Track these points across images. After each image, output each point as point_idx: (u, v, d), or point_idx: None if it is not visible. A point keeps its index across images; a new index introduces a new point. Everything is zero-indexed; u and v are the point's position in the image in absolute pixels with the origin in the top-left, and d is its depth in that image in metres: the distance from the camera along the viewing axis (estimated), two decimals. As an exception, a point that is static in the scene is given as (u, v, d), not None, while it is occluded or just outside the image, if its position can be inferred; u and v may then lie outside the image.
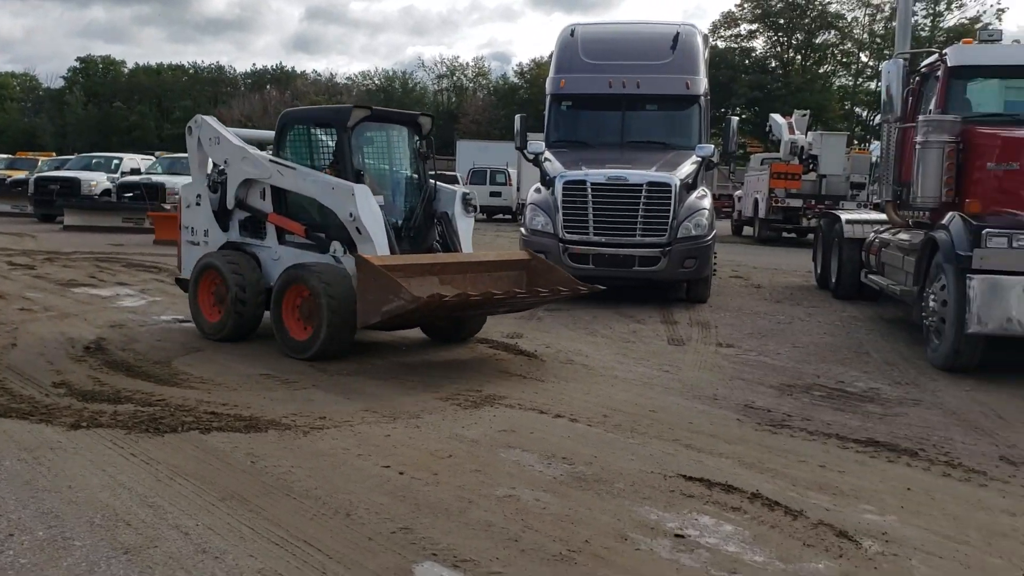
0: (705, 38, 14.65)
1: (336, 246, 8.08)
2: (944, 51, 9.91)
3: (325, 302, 7.48)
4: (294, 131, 8.77)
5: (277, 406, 6.29)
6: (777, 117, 29.08)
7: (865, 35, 64.87)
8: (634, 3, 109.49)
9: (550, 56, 14.70)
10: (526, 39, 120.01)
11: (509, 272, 8.45)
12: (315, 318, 7.64)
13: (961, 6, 61.29)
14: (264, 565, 3.74)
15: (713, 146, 13.21)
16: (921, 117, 9.42)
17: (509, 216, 35.44)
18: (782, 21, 65.88)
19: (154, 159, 28.82)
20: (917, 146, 9.16)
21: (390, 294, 6.91)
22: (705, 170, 12.94)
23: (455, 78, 79.06)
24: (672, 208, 11.68)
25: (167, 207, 22.00)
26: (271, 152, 8.93)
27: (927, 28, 60.54)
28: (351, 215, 7.79)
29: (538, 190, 12.50)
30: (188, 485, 4.65)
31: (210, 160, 9.19)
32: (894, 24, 61.06)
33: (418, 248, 8.55)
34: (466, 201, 8.82)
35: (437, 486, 4.74)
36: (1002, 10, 72.02)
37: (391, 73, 80.00)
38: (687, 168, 12.22)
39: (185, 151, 9.84)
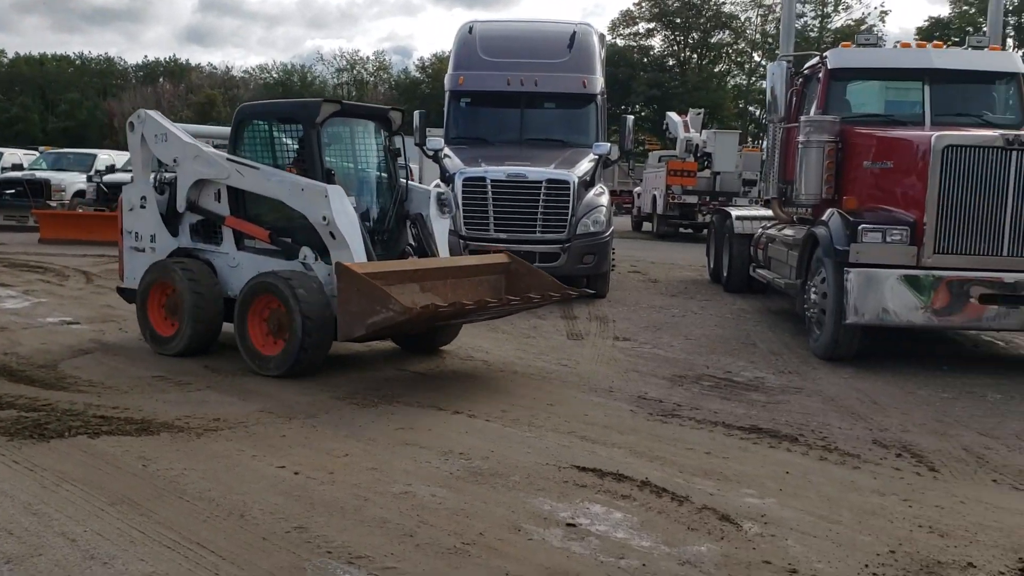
0: (601, 37, 14.94)
1: (306, 252, 7.46)
2: (824, 54, 10.37)
3: (299, 314, 6.91)
4: (252, 127, 8.15)
5: (170, 408, 6.18)
6: (673, 115, 29.81)
7: (758, 35, 66.96)
8: (534, 0, 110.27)
9: (450, 52, 14.75)
10: (427, 33, 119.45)
11: (489, 276, 8.04)
12: (286, 331, 7.05)
13: (847, 8, 63.87)
14: (155, 569, 3.70)
15: (610, 144, 13.49)
16: (803, 118, 9.86)
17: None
18: (679, 20, 67.41)
19: (38, 154, 27.62)
20: (799, 145, 9.59)
21: (377, 305, 6.47)
22: (603, 167, 13.21)
23: (355, 72, 78.21)
24: (571, 205, 11.89)
25: (53, 204, 21.18)
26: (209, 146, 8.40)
27: (816, 29, 62.89)
28: (324, 219, 7.20)
29: (438, 186, 12.53)
30: (75, 491, 4.55)
31: (154, 158, 8.55)
32: (784, 25, 63.13)
33: (391, 253, 8.06)
34: (441, 201, 8.30)
35: (333, 485, 4.76)
36: (885, 12, 75.32)
37: (290, 66, 78.59)
38: (585, 165, 12.46)
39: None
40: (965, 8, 55.29)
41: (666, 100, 56.90)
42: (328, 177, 7.53)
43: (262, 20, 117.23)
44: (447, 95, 13.85)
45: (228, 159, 7.88)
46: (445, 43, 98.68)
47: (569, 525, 4.29)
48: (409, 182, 8.38)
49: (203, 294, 7.74)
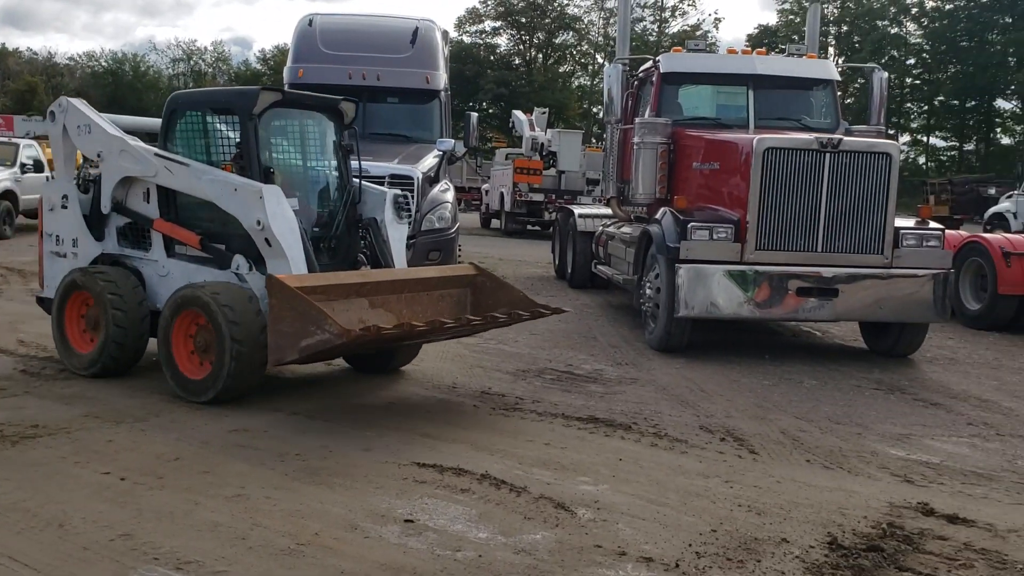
0: (444, 34, 14.97)
1: (239, 261, 6.64)
2: (657, 58, 10.80)
3: (228, 332, 6.08)
4: (185, 118, 7.24)
5: (-19, 416, 5.80)
6: (519, 114, 30.25)
7: (600, 38, 68.85)
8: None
9: (290, 45, 14.42)
10: (267, 25, 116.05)
11: (452, 290, 7.26)
12: (214, 352, 6.22)
13: (684, 14, 66.62)
14: (-40, 587, 3.48)
15: (454, 140, 13.55)
16: (637, 120, 10.24)
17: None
18: (524, 20, 68.44)
19: None
20: (635, 146, 9.95)
21: (311, 325, 5.68)
22: (447, 164, 13.25)
23: (192, 63, 75.21)
24: (415, 200, 11.86)
25: None
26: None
27: (655, 33, 65.29)
28: (259, 223, 6.38)
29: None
30: None
31: (78, 153, 7.71)
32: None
33: (340, 262, 7.24)
34: (398, 205, 7.53)
35: (162, 490, 4.59)
36: (719, 19, 78.97)
37: (120, 55, 74.65)
38: (429, 161, 12.45)
39: None
40: (791, 17, 58.75)
41: (513, 98, 57.71)
42: (266, 176, 6.69)
43: (87, 5, 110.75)
44: (287, 88, 13.54)
45: (156, 154, 6.98)
46: (286, 35, 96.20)
47: (407, 521, 4.31)
48: (363, 183, 7.58)
49: (126, 308, 6.84)
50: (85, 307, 7.14)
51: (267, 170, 6.77)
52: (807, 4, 55.12)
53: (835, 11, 59.94)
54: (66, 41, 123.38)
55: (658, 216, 9.12)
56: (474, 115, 14.81)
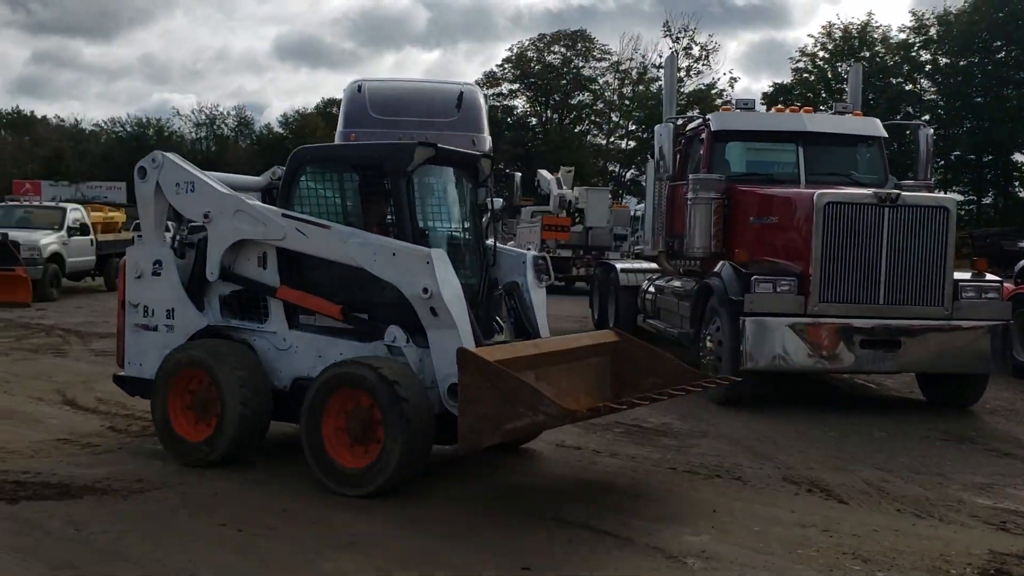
0: (485, 97, 15.38)
1: (395, 333, 5.91)
2: (707, 116, 11.06)
3: (399, 415, 5.36)
4: (313, 176, 6.59)
5: (86, 471, 5.92)
6: (545, 173, 30.71)
7: (615, 97, 69.90)
8: (385, 63, 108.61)
9: (340, 110, 14.82)
10: (276, 92, 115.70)
11: (595, 359, 6.70)
12: (375, 437, 5.52)
13: (699, 73, 67.62)
14: (117, 634, 3.54)
15: (501, 199, 13.82)
16: (691, 176, 10.44)
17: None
18: (540, 82, 69.62)
19: None
20: (688, 202, 10.15)
21: (520, 406, 5.05)
22: (494, 222, 13.48)
23: (216, 127, 76.59)
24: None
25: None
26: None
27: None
28: (426, 291, 5.70)
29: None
30: (8, 559, 4.31)
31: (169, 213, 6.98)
32: (641, 88, 65.81)
33: (483, 330, 6.37)
34: (538, 267, 7.00)
35: (278, 540, 4.72)
36: (735, 79, 79.85)
37: (144, 120, 76.05)
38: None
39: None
40: (806, 75, 59.53)
41: (529, 158, 58.41)
42: (421, 239, 6.18)
43: (100, 73, 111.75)
44: (336, 151, 13.87)
45: (284, 215, 6.31)
46: (297, 101, 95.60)
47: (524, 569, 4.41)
48: (498, 244, 7.09)
49: (252, 387, 6.08)
50: (197, 388, 6.25)
51: (422, 232, 6.27)
52: (821, 64, 56.11)
53: (847, 69, 60.68)
54: (80, 108, 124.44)
55: (717, 269, 9.26)
56: (518, 175, 15.14)
